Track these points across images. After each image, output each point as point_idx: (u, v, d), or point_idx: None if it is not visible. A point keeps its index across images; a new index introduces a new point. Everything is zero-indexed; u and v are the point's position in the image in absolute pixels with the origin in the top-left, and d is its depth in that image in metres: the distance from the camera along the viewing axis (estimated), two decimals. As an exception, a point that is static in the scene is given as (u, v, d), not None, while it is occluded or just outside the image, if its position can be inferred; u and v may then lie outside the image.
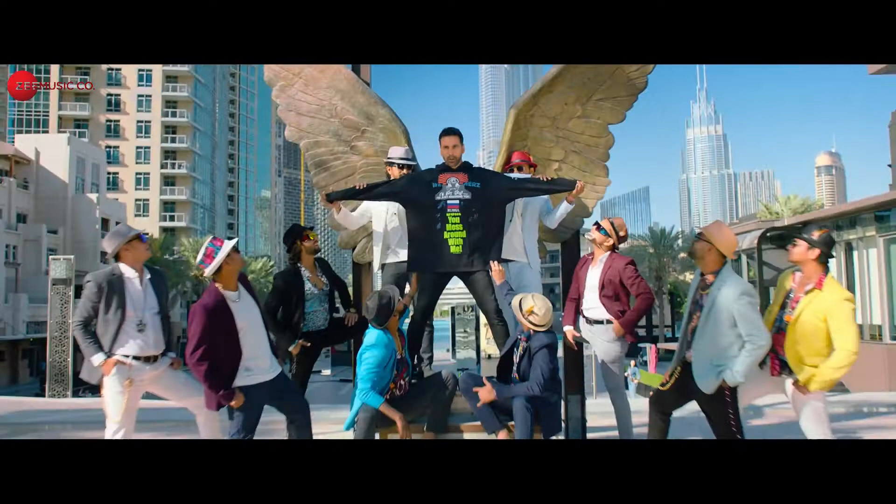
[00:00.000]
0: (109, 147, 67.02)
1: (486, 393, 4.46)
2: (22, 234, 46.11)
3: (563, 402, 5.20)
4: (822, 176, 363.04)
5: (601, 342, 5.01)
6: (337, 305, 5.50)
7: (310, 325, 5.16)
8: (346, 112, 5.60)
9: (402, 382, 4.63)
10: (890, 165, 33.25)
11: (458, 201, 4.83)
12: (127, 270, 4.41)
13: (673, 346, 4.03)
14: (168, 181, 71.20)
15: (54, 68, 64.84)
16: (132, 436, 4.38)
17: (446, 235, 4.82)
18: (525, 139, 5.55)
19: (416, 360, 5.27)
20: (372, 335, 4.54)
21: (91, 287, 4.29)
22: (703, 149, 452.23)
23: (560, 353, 4.99)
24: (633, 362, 28.29)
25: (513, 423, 4.44)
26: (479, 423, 4.60)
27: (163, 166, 70.47)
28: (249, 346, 4.15)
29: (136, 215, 66.70)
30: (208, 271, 4.09)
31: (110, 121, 68.94)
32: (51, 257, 17.92)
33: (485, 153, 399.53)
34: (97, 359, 4.27)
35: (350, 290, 5.67)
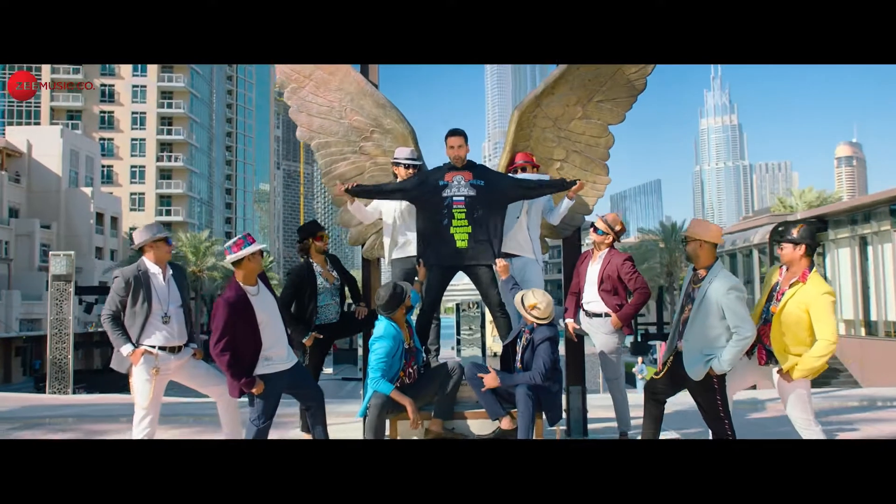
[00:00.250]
0: (103, 139, 67.35)
1: (490, 379, 4.93)
2: (14, 228, 46.59)
3: (564, 393, 5.68)
4: (843, 167, 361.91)
5: (600, 334, 5.49)
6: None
7: (322, 319, 5.64)
8: (355, 114, 6.04)
9: (411, 371, 5.10)
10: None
11: (463, 198, 5.28)
12: (151, 266, 4.89)
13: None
14: (164, 174, 71.37)
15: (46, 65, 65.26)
16: (157, 421, 4.86)
17: (452, 230, 5.28)
18: (528, 139, 5.98)
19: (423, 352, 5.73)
20: (380, 326, 5.00)
21: (119, 282, 4.77)
22: (717, 139, 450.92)
23: (562, 347, 5.46)
24: (640, 359, 28.69)
25: (515, 410, 4.90)
26: (483, 410, 5.06)
27: (158, 159, 70.58)
28: (269, 338, 4.63)
29: (131, 209, 67.00)
30: (230, 258, 4.57)
31: (104, 112, 69.03)
32: (51, 253, 18.20)
33: (490, 144, 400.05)
34: (126, 349, 4.75)
35: (359, 284, 6.14)
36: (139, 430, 4.75)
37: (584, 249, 6.05)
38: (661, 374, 4.82)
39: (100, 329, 46.08)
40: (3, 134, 55.41)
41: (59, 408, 10.18)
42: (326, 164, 6.17)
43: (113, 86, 69.26)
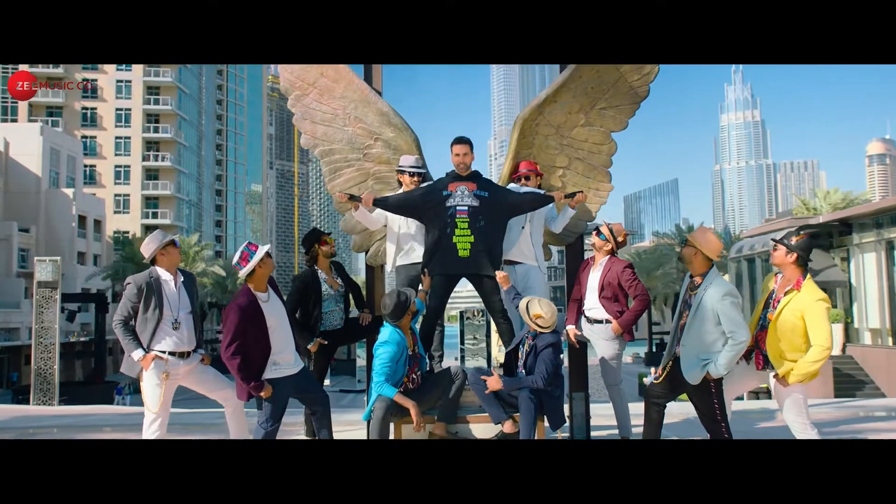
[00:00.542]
0: (86, 137, 67.28)
1: (493, 382, 5.37)
2: (-10, 233, 46.62)
3: (568, 400, 6.13)
4: (875, 166, 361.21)
5: (601, 341, 5.95)
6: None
7: (326, 325, 6.10)
8: (359, 121, 6.50)
9: (415, 376, 5.54)
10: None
11: (466, 208, 5.74)
12: (163, 273, 5.36)
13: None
14: (150, 175, 71.44)
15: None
16: (167, 425, 5.31)
17: (455, 240, 5.73)
18: (531, 147, 6.44)
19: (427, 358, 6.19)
20: (385, 332, 5.44)
21: (131, 288, 5.24)
22: (738, 136, 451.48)
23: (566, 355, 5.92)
24: (653, 370, 29.17)
25: (518, 414, 5.34)
26: (486, 414, 5.50)
27: (144, 158, 70.53)
28: (277, 343, 5.09)
29: (115, 212, 67.12)
30: (243, 273, 5.03)
31: (86, 108, 68.87)
32: (36, 259, 18.48)
33: (496, 142, 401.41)
34: (137, 354, 5.21)
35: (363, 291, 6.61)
36: (150, 433, 5.20)
37: (586, 256, 6.51)
38: (661, 379, 5.27)
39: (82, 339, 46.64)
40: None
41: (46, 419, 10.61)
42: (330, 171, 6.62)
43: (96, 80, 68.78)
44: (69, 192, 53.55)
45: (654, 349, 48.57)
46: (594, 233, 6.10)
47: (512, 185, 6.30)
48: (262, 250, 5.10)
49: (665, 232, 66.48)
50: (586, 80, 6.23)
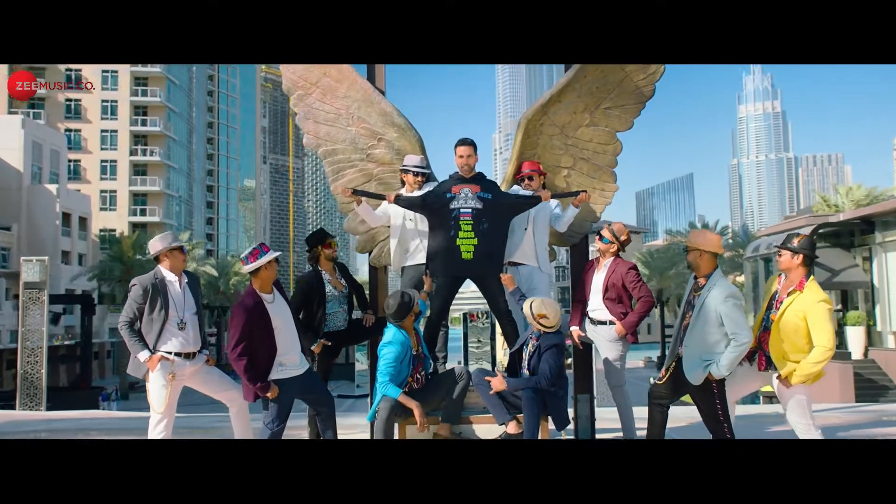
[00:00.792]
0: (70, 130, 67.48)
1: (497, 382, 5.69)
2: (-32, 231, 46.64)
3: (573, 401, 6.46)
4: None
5: (604, 342, 6.28)
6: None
7: (330, 326, 6.43)
8: (363, 121, 6.82)
9: (419, 377, 5.86)
10: None
11: (470, 210, 6.05)
12: (168, 274, 5.69)
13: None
14: (138, 170, 71.71)
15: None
16: (172, 425, 5.64)
17: (459, 242, 6.04)
18: (535, 147, 6.74)
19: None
20: (389, 332, 5.76)
21: (137, 290, 5.57)
22: (757, 128, 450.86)
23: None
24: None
25: (522, 415, 5.66)
26: (490, 415, 5.82)
27: (132, 153, 70.76)
28: (283, 344, 5.43)
29: (101, 209, 67.40)
30: (247, 268, 5.37)
31: (70, 100, 69.02)
32: (22, 259, 18.66)
33: (501, 136, 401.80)
34: (143, 355, 5.54)
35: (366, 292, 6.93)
36: (155, 433, 5.54)
37: (591, 257, 6.82)
38: (664, 380, 5.59)
39: (66, 342, 46.93)
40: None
41: (33, 423, 10.90)
42: (334, 171, 6.94)
43: (80, 70, 68.63)
44: (52, 188, 53.65)
45: (667, 352, 48.70)
46: (597, 237, 6.42)
47: (515, 187, 6.63)
48: (272, 254, 5.43)
49: (678, 230, 66.66)
50: (591, 79, 6.52)
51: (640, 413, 6.29)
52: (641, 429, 6.09)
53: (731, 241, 62.57)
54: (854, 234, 26.41)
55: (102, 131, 70.16)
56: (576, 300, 6.54)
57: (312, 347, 6.26)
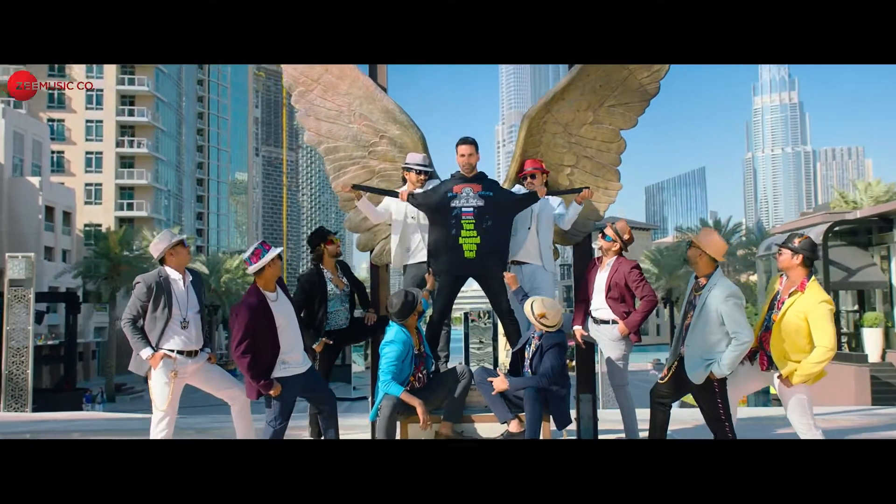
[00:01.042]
0: (53, 120, 67.05)
1: (499, 382, 5.98)
2: (-54, 226, 46.45)
3: (575, 401, 6.74)
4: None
5: (607, 341, 6.55)
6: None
7: (332, 324, 6.71)
8: (364, 118, 7.09)
9: (421, 375, 6.14)
10: None
11: (472, 208, 6.32)
12: (172, 272, 5.97)
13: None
14: (125, 162, 71.31)
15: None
16: (174, 423, 5.91)
17: (461, 241, 6.32)
18: (538, 145, 7.02)
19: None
20: (391, 331, 6.04)
21: (141, 287, 5.84)
22: (773, 120, 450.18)
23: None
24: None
25: (523, 414, 5.93)
26: (492, 414, 6.10)
27: (118, 144, 70.28)
28: (286, 342, 5.71)
29: (86, 203, 67.13)
30: (252, 269, 5.65)
31: (53, 89, 67.26)
32: (7, 255, 18.79)
33: (504, 128, 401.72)
34: (146, 353, 5.82)
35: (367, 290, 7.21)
36: (157, 431, 5.81)
37: (594, 256, 7.09)
38: (666, 379, 5.87)
39: (50, 342, 47.01)
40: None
41: (17, 425, 11.14)
42: (335, 168, 7.22)
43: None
44: (35, 180, 53.45)
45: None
46: (599, 236, 6.68)
47: (517, 186, 6.91)
48: (274, 251, 5.71)
49: (689, 227, 66.83)
50: (594, 77, 6.79)
51: (644, 415, 6.49)
52: (644, 430, 6.35)
53: (744, 238, 62.76)
54: (872, 231, 26.32)
55: (87, 121, 69.67)
56: (578, 299, 6.81)
57: (314, 346, 6.54)
